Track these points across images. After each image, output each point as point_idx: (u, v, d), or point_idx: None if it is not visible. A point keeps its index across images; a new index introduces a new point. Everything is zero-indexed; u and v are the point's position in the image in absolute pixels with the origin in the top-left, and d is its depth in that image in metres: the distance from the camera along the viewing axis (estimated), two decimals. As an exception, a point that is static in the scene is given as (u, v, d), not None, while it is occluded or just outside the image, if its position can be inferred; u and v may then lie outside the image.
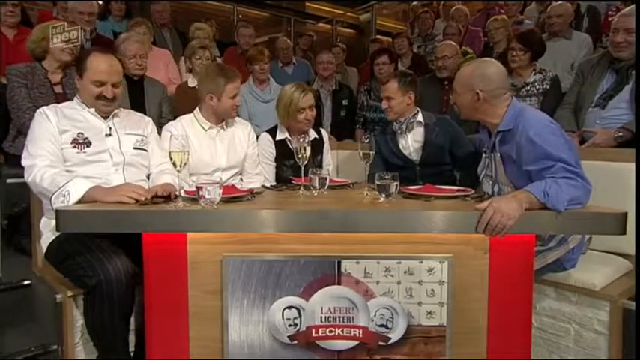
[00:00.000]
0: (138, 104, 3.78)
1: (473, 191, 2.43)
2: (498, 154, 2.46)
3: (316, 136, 3.41)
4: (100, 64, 2.45)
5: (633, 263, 2.68)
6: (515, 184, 2.37)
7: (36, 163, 2.29)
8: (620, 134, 3.02)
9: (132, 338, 2.40)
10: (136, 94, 3.88)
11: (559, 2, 5.04)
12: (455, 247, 2.09)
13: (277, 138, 3.30)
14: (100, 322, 2.22)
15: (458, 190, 2.45)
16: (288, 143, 3.27)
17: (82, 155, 2.45)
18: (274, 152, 3.29)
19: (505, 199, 2.01)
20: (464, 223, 2.01)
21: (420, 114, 3.21)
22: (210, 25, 5.97)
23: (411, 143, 3.21)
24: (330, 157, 3.55)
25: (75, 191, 2.17)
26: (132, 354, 2.39)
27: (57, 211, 1.98)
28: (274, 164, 3.30)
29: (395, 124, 3.23)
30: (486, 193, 2.55)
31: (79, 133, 2.45)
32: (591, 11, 5.51)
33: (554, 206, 2.00)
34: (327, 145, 3.51)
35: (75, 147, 2.44)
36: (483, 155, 2.64)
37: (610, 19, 4.17)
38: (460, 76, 2.50)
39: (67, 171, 2.39)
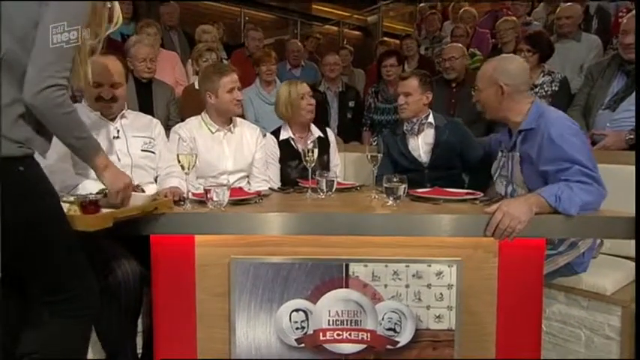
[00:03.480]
0: (146, 106, 3.80)
1: (482, 194, 2.41)
2: (517, 154, 2.43)
3: (321, 134, 3.39)
4: (96, 66, 2.44)
5: None
6: (528, 185, 2.35)
7: (45, 165, 2.29)
8: (632, 136, 3.00)
9: (139, 340, 2.39)
10: (145, 96, 3.90)
11: (568, 3, 5.01)
12: (464, 250, 2.08)
13: (281, 138, 3.30)
14: (107, 324, 2.20)
15: (467, 193, 2.43)
16: (292, 142, 3.27)
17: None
18: (278, 153, 3.29)
19: (515, 202, 2.00)
20: (473, 227, 2.01)
21: (431, 115, 3.19)
22: (217, 27, 5.97)
23: (421, 145, 3.18)
24: (337, 157, 3.53)
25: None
26: (139, 356, 2.38)
27: None
28: (279, 165, 3.29)
29: (406, 124, 3.20)
30: (499, 194, 2.55)
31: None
32: (601, 12, 5.44)
33: (566, 210, 2.00)
34: (333, 145, 3.49)
35: (83, 149, 2.43)
36: (500, 154, 2.62)
37: (620, 20, 4.13)
38: (483, 72, 2.49)
39: (77, 174, 2.39)
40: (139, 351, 2.39)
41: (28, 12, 1.60)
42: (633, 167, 2.64)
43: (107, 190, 1.91)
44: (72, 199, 1.79)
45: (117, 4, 1.88)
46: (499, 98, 2.40)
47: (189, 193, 2.24)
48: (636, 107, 2.91)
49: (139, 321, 2.35)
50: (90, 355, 2.33)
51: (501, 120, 2.55)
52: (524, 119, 2.37)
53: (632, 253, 2.60)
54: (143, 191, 2.09)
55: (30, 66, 1.58)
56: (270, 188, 2.92)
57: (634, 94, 3.16)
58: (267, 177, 3.12)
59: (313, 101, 3.26)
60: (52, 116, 1.63)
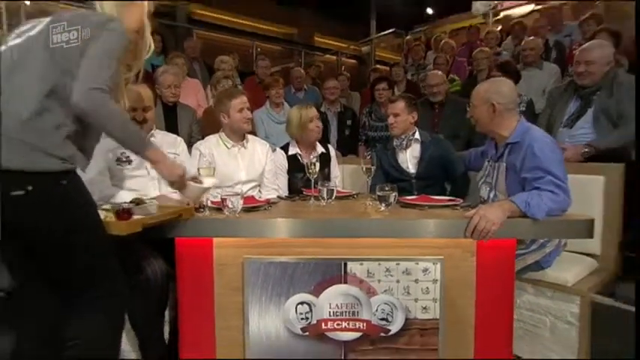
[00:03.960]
0: (172, 126, 3.81)
1: (462, 201, 2.39)
2: (504, 164, 2.40)
3: (324, 150, 3.37)
4: (131, 93, 2.44)
5: (599, 262, 2.67)
6: (509, 192, 2.32)
7: (86, 178, 2.28)
8: (587, 150, 2.99)
9: (166, 328, 2.36)
10: (171, 117, 3.90)
11: (531, 37, 5.07)
12: (446, 250, 2.06)
13: (289, 153, 3.29)
14: (139, 315, 2.19)
15: (449, 200, 2.40)
16: (299, 157, 3.25)
17: (125, 171, 2.45)
18: (287, 165, 3.27)
19: (490, 208, 1.99)
20: (454, 229, 1.99)
21: (417, 132, 3.17)
22: (232, 57, 5.96)
23: (409, 158, 3.16)
24: (337, 169, 3.50)
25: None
26: (167, 341, 2.35)
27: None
28: (287, 176, 3.26)
29: (395, 140, 3.18)
30: (481, 197, 2.53)
31: (122, 153, 2.44)
32: (558, 45, 5.53)
33: (534, 215, 1.99)
34: (334, 159, 3.46)
35: (119, 164, 2.44)
36: (486, 164, 2.59)
37: (574, 52, 4.14)
38: (478, 91, 2.46)
39: (113, 185, 2.40)
40: (166, 337, 2.36)
41: (75, 51, 1.61)
42: (589, 176, 2.71)
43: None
44: (108, 207, 1.78)
45: (149, 35, 1.88)
46: (491, 115, 2.38)
47: (208, 202, 2.22)
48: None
49: (166, 312, 2.33)
50: (124, 341, 2.31)
51: (489, 133, 2.52)
52: (512, 134, 2.36)
53: (590, 249, 2.68)
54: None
55: (79, 74, 1.57)
56: (278, 196, 2.89)
57: (587, 114, 3.17)
58: (276, 186, 3.09)
59: (320, 124, 3.26)
60: (97, 115, 1.61)
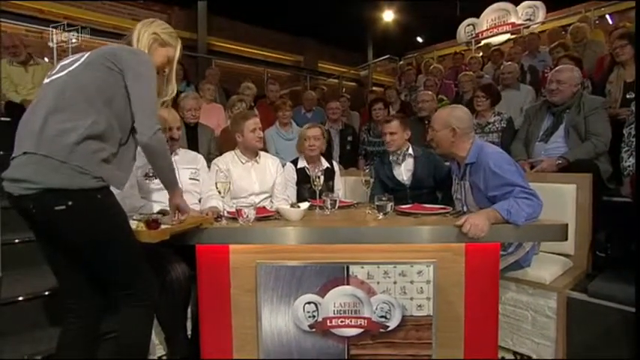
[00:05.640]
0: (193, 144, 3.78)
1: (451, 209, 2.35)
2: (467, 183, 2.36)
3: (329, 166, 3.34)
4: (172, 115, 2.53)
5: (573, 262, 2.64)
6: (479, 205, 2.27)
7: (118, 192, 2.26)
8: (560, 162, 2.97)
9: (189, 324, 2.34)
10: (192, 136, 3.87)
11: (508, 63, 5.07)
12: (438, 253, 2.02)
13: (298, 166, 3.26)
14: (165, 312, 2.17)
15: (439, 208, 2.37)
16: (306, 170, 3.22)
17: (152, 185, 2.43)
18: (296, 177, 3.24)
19: (478, 217, 1.94)
20: (445, 235, 1.96)
21: (410, 148, 3.14)
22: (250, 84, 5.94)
23: (404, 171, 3.12)
24: (340, 184, 3.47)
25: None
26: (189, 336, 2.33)
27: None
28: (295, 187, 3.23)
29: (391, 155, 3.15)
30: (461, 210, 2.48)
31: (149, 169, 2.43)
32: (531, 69, 5.53)
33: (515, 221, 1.95)
34: (337, 174, 3.44)
35: (146, 179, 2.42)
36: (454, 182, 2.55)
37: (545, 75, 4.14)
38: (439, 116, 2.40)
39: (142, 197, 2.39)
40: (189, 332, 2.34)
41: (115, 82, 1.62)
42: (563, 185, 2.69)
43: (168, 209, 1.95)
44: (139, 217, 1.77)
45: (174, 81, 1.93)
46: (451, 138, 2.33)
47: (225, 212, 2.20)
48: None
49: (189, 310, 2.31)
50: (153, 335, 2.28)
51: (449, 155, 2.48)
52: (468, 154, 2.31)
53: (564, 250, 2.67)
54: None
55: (138, 114, 1.61)
56: (292, 204, 2.86)
57: (559, 129, 3.15)
58: (286, 196, 3.05)
59: (315, 142, 3.19)
60: (161, 152, 1.69)
